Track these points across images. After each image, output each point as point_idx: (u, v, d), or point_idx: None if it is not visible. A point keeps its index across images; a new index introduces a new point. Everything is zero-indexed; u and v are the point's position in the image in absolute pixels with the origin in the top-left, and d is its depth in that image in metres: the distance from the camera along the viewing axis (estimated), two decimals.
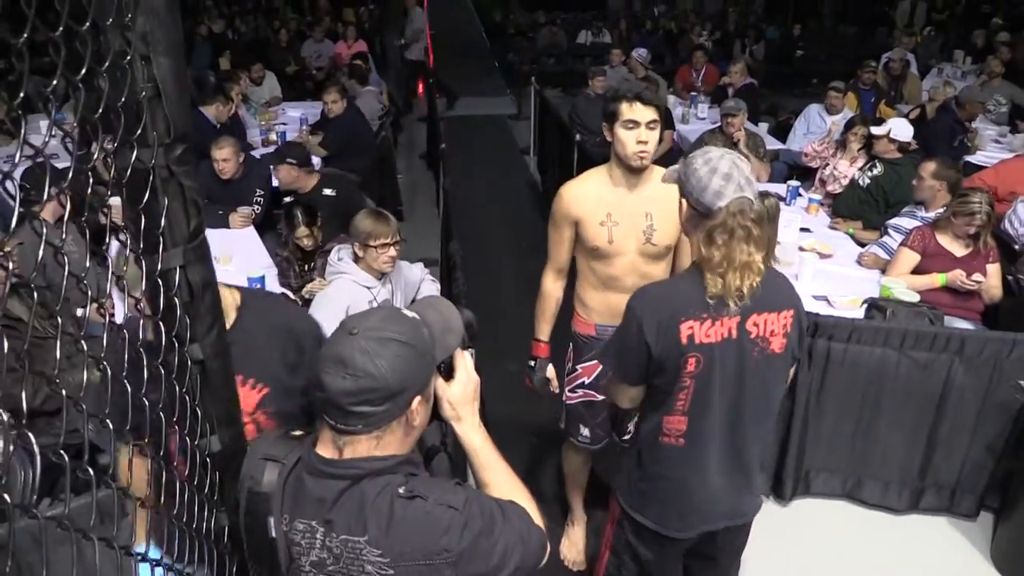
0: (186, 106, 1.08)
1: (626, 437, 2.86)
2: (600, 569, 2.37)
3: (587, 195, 2.60)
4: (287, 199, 4.63)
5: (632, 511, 2.14)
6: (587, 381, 2.86)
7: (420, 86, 11.36)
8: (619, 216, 2.56)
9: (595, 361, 2.80)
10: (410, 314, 1.36)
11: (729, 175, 1.79)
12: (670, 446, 2.00)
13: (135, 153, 1.01)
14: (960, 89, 7.60)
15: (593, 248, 2.61)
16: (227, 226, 4.65)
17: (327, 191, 4.64)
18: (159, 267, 1.08)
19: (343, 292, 3.21)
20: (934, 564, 3.28)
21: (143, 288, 1.10)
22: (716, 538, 2.16)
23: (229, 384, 1.26)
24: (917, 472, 3.42)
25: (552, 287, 2.83)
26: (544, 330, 2.89)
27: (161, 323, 1.09)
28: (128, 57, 0.97)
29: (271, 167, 4.78)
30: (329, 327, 3.05)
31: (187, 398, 1.16)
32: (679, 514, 2.08)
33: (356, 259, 3.27)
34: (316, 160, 6.27)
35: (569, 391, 2.92)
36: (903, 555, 3.31)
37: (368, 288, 3.25)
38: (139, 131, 1.01)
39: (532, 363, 2.92)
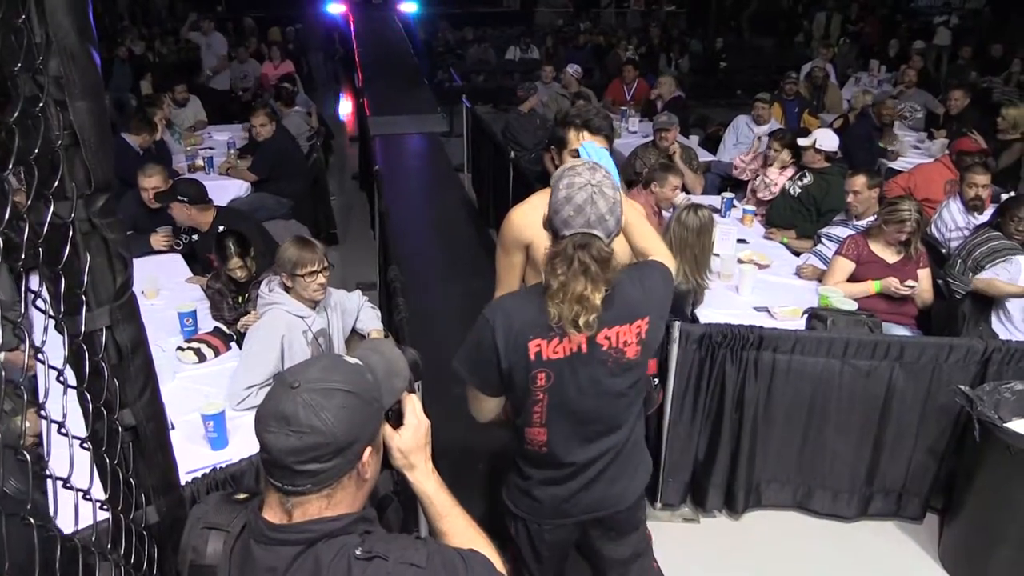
0: (108, 152, 0.99)
1: None
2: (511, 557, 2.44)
3: (538, 218, 2.54)
4: (195, 236, 4.49)
5: (509, 503, 2.20)
6: None
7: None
8: None
9: None
10: (352, 360, 1.29)
11: (581, 208, 1.78)
12: (534, 452, 2.05)
13: (52, 208, 0.91)
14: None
15: None
16: (153, 252, 4.52)
17: (220, 228, 4.39)
18: (82, 330, 0.98)
19: (277, 323, 3.09)
20: (885, 569, 3.32)
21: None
22: (591, 531, 2.22)
23: (164, 448, 1.16)
24: (864, 478, 3.47)
25: None
26: None
27: (87, 392, 0.99)
28: (41, 104, 0.88)
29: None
30: (265, 360, 2.99)
31: (119, 470, 1.06)
32: (549, 508, 2.12)
33: (286, 289, 3.15)
34: (244, 186, 6.12)
35: None
36: (855, 562, 3.34)
37: (302, 317, 3.13)
38: (56, 183, 0.91)
39: None
